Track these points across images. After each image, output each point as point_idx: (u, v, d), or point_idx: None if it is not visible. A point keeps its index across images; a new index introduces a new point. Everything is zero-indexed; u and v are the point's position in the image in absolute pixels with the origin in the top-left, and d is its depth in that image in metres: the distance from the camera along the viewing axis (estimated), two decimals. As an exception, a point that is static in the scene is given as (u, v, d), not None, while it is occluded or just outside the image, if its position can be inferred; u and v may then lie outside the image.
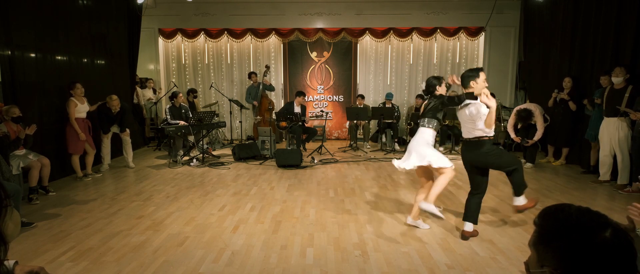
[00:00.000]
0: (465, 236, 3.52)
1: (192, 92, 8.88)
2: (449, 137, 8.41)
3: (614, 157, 5.33)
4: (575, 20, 6.81)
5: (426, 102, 3.83)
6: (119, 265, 3.02)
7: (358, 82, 9.95)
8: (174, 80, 9.85)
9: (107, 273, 2.91)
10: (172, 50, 9.99)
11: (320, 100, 10.05)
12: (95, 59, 7.01)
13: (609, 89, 5.37)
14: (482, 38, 9.63)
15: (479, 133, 3.36)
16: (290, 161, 6.53)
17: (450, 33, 9.55)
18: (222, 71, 9.99)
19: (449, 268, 2.98)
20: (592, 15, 6.34)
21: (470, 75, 3.39)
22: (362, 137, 9.13)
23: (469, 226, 3.53)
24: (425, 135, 3.66)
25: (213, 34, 9.72)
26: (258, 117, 9.06)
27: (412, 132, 8.87)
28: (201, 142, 7.25)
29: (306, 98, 9.84)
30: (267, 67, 9.25)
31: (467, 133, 3.47)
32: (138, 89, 8.89)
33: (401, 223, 3.92)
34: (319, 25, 9.63)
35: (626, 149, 5.10)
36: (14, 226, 1.50)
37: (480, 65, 9.70)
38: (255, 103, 9.11)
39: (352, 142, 8.61)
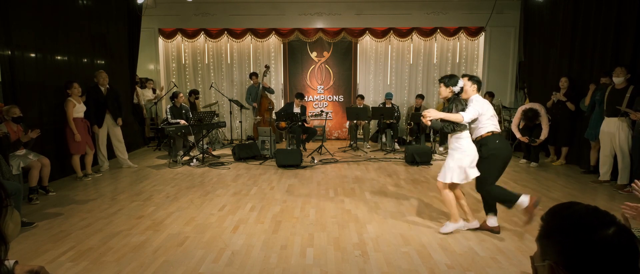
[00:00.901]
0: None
1: (194, 93, 8.89)
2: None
3: (614, 157, 5.33)
4: (575, 20, 6.81)
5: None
6: (119, 265, 3.02)
7: (358, 82, 9.95)
8: (174, 80, 9.85)
9: (107, 273, 2.91)
10: (172, 50, 9.99)
11: (320, 100, 10.05)
12: (95, 59, 7.01)
13: (610, 89, 5.37)
14: (482, 38, 9.63)
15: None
16: (290, 161, 6.53)
17: (450, 33, 9.55)
18: (222, 71, 9.99)
19: (449, 268, 2.98)
20: (592, 15, 6.34)
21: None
22: (362, 137, 9.13)
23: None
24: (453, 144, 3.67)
25: (213, 34, 9.72)
26: (258, 117, 9.06)
27: (412, 132, 8.89)
28: (201, 142, 7.25)
29: (306, 98, 9.86)
30: (267, 67, 9.25)
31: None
32: (138, 89, 8.89)
33: (401, 223, 3.92)
34: (319, 25, 9.63)
35: (627, 149, 5.10)
36: (14, 225, 1.50)
37: (481, 65, 9.70)
38: (254, 105, 9.12)
39: (352, 142, 8.61)
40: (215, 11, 9.59)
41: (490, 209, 3.68)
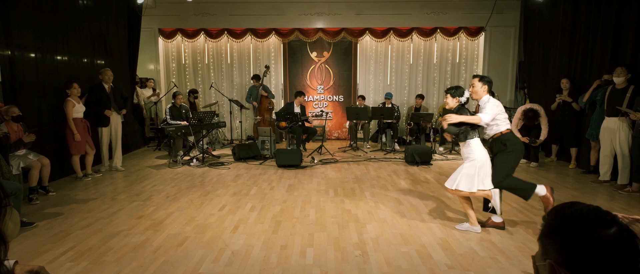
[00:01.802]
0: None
1: (192, 93, 8.89)
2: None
3: (615, 157, 5.33)
4: (575, 20, 6.81)
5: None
6: (119, 265, 3.02)
7: (358, 82, 9.95)
8: (174, 80, 9.85)
9: (107, 273, 2.91)
10: (172, 50, 9.99)
11: (320, 100, 10.05)
12: (95, 59, 7.01)
13: (610, 89, 5.37)
14: (482, 38, 9.63)
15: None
16: (290, 161, 6.53)
17: (450, 33, 9.55)
18: (222, 71, 9.99)
19: (449, 268, 2.98)
20: (592, 15, 6.34)
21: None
22: (362, 137, 9.13)
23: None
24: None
25: (213, 34, 9.72)
26: (258, 117, 9.06)
27: (412, 132, 8.89)
28: (201, 142, 7.25)
29: (306, 98, 9.86)
30: (267, 67, 9.25)
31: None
32: (138, 89, 8.89)
33: (401, 223, 3.92)
34: (319, 25, 9.63)
35: (627, 149, 5.10)
36: (13, 225, 1.50)
37: (481, 65, 9.70)
38: (255, 104, 9.12)
39: (352, 142, 8.62)
40: (215, 11, 9.59)
41: (529, 192, 3.72)
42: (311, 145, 8.45)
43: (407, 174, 6.14)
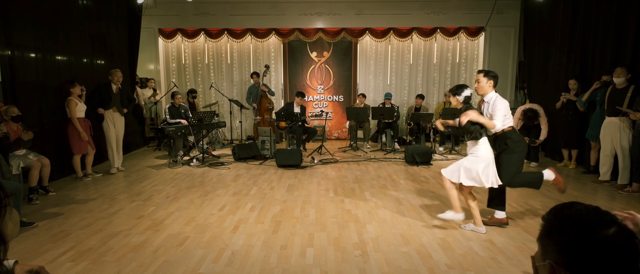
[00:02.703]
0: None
1: (191, 93, 8.89)
2: (448, 137, 8.41)
3: (615, 157, 5.33)
4: (575, 20, 6.81)
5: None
6: (119, 265, 3.02)
7: (358, 82, 9.95)
8: (174, 80, 9.85)
9: (107, 273, 2.91)
10: (172, 50, 9.99)
11: (320, 100, 10.05)
12: (95, 59, 7.01)
13: (610, 89, 5.37)
14: (482, 38, 9.63)
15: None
16: (290, 161, 6.53)
17: (450, 33, 9.55)
18: (222, 71, 9.99)
19: (449, 268, 2.98)
20: (592, 15, 6.34)
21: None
22: (362, 137, 9.13)
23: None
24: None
25: (213, 34, 9.72)
26: (258, 117, 9.06)
27: (412, 132, 8.89)
28: (201, 142, 7.25)
29: (307, 98, 9.86)
30: (267, 67, 9.25)
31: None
32: (138, 89, 8.89)
33: (401, 223, 3.92)
34: (319, 25, 9.63)
35: (627, 149, 5.10)
36: (13, 225, 1.50)
37: (481, 65, 9.70)
38: (254, 105, 9.12)
39: (352, 142, 8.61)
40: (215, 11, 9.59)
41: (500, 204, 3.79)
42: (311, 145, 8.45)
43: (407, 174, 6.14)
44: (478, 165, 3.52)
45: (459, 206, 3.70)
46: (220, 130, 9.01)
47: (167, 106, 7.52)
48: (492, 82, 3.69)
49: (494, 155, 3.64)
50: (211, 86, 9.52)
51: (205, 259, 3.12)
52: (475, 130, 3.54)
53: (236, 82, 10.03)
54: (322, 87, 10.00)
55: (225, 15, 9.59)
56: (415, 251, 3.27)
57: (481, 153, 3.55)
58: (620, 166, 5.18)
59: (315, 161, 7.04)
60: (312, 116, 8.98)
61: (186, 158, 7.15)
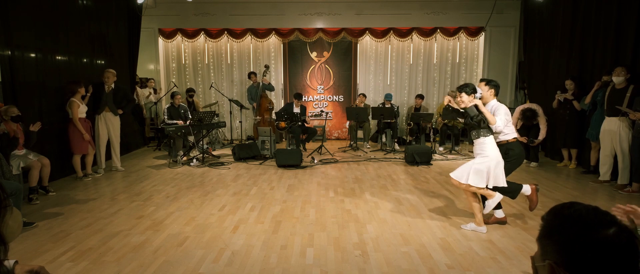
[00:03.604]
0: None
1: (188, 92, 8.88)
2: (448, 137, 8.41)
3: (615, 157, 5.33)
4: (575, 20, 6.81)
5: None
6: (119, 265, 3.02)
7: (358, 82, 9.95)
8: (174, 80, 9.85)
9: (107, 273, 2.91)
10: (172, 50, 9.99)
11: (320, 100, 10.05)
12: (95, 59, 7.01)
13: (610, 89, 5.37)
14: (482, 38, 9.63)
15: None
16: (290, 161, 6.53)
17: (450, 33, 9.55)
18: (222, 71, 9.99)
19: (449, 268, 2.98)
20: (592, 15, 6.34)
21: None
22: (362, 137, 9.13)
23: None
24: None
25: (213, 34, 9.72)
26: (258, 117, 9.06)
27: (412, 132, 8.89)
28: (201, 142, 7.25)
29: (306, 98, 9.87)
30: (267, 67, 9.25)
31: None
32: (138, 89, 8.89)
33: (401, 223, 3.92)
34: (319, 25, 9.63)
35: (627, 149, 5.10)
36: (15, 224, 1.50)
37: (481, 65, 9.71)
38: (254, 105, 9.12)
39: (352, 142, 8.62)
40: (215, 11, 9.59)
41: (515, 193, 3.84)
42: (311, 145, 8.45)
43: (407, 174, 6.14)
44: (489, 164, 3.54)
45: (482, 219, 3.71)
46: (220, 130, 9.01)
47: (167, 106, 7.51)
48: (493, 90, 3.74)
49: None
50: (211, 86, 9.52)
51: (205, 259, 3.12)
52: (477, 116, 3.55)
53: (236, 82, 10.03)
54: (322, 87, 10.00)
55: (225, 15, 9.59)
56: (415, 251, 3.27)
57: (489, 153, 3.57)
58: (620, 166, 5.18)
59: (315, 161, 7.04)
60: (312, 116, 8.99)
61: (186, 158, 7.15)
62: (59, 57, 6.05)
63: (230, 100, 9.04)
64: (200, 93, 9.95)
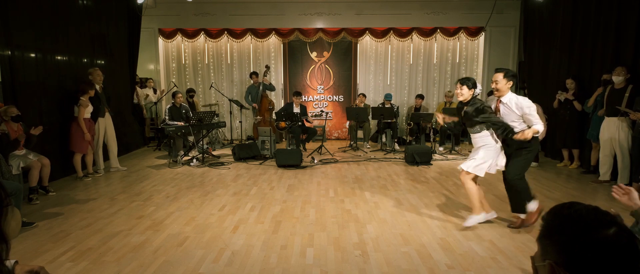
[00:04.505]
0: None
1: (188, 92, 8.88)
2: (448, 137, 8.41)
3: (614, 157, 5.33)
4: (575, 20, 6.81)
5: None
6: (119, 265, 3.02)
7: (358, 82, 9.95)
8: (174, 80, 9.85)
9: (107, 273, 2.91)
10: (172, 50, 9.99)
11: (320, 100, 10.05)
12: (95, 59, 7.01)
13: (609, 89, 5.37)
14: (482, 38, 9.63)
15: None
16: (290, 161, 6.53)
17: (450, 33, 9.56)
18: (222, 71, 9.99)
19: (449, 268, 2.98)
20: (592, 15, 6.33)
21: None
22: (362, 137, 9.13)
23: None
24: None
25: (213, 34, 9.72)
26: (258, 117, 9.06)
27: (412, 132, 8.89)
28: (201, 142, 7.25)
29: (306, 98, 9.86)
30: (267, 67, 9.26)
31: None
32: (138, 89, 8.90)
33: (401, 223, 3.92)
34: (319, 25, 9.63)
35: (626, 149, 5.10)
36: (15, 224, 1.50)
37: (481, 65, 9.71)
38: (254, 105, 9.12)
39: (352, 142, 8.62)
40: (215, 11, 9.59)
41: (527, 197, 3.70)
42: (311, 145, 8.45)
43: (407, 174, 6.14)
44: (493, 153, 3.63)
45: (479, 207, 3.73)
46: (220, 130, 9.02)
47: (168, 106, 7.51)
48: (511, 82, 3.53)
49: (513, 150, 3.66)
50: (211, 86, 9.52)
51: (205, 259, 3.12)
52: (488, 118, 3.54)
53: (236, 82, 10.03)
54: (322, 87, 10.00)
55: (225, 15, 9.59)
56: (415, 251, 3.27)
57: (491, 142, 3.65)
58: (620, 166, 5.18)
59: (315, 161, 7.04)
60: (312, 116, 8.99)
61: (186, 158, 7.15)
62: (59, 57, 6.05)
63: (230, 100, 9.04)
64: (200, 93, 9.95)
